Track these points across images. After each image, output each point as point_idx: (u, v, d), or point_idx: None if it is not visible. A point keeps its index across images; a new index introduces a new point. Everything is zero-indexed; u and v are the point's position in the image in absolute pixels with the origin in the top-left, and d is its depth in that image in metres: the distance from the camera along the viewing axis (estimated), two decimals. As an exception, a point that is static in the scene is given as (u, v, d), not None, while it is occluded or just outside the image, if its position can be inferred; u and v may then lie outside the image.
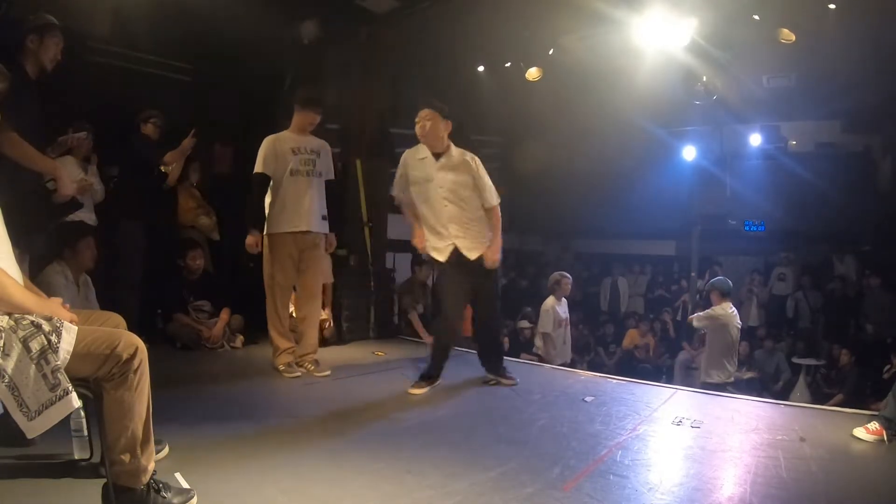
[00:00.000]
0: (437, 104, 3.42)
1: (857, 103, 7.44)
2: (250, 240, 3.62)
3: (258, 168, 3.67)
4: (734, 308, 5.43)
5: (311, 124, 3.82)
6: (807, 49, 5.52)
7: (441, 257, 3.45)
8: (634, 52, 5.47)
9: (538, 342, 5.88)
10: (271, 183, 3.70)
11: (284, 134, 3.78)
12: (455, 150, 3.47)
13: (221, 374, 3.78)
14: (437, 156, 3.42)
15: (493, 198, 3.48)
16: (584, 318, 9.85)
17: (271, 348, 3.84)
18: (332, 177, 3.91)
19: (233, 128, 5.55)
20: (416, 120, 3.40)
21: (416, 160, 3.46)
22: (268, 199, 3.75)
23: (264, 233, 3.71)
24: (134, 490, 1.69)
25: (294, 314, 3.99)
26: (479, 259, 3.45)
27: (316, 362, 3.89)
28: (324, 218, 3.82)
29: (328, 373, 3.82)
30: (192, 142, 4.33)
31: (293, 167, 3.69)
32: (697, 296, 9.40)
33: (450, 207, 3.41)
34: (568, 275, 5.96)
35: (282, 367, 3.71)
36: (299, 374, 3.70)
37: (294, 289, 3.89)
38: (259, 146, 3.73)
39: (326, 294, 4.82)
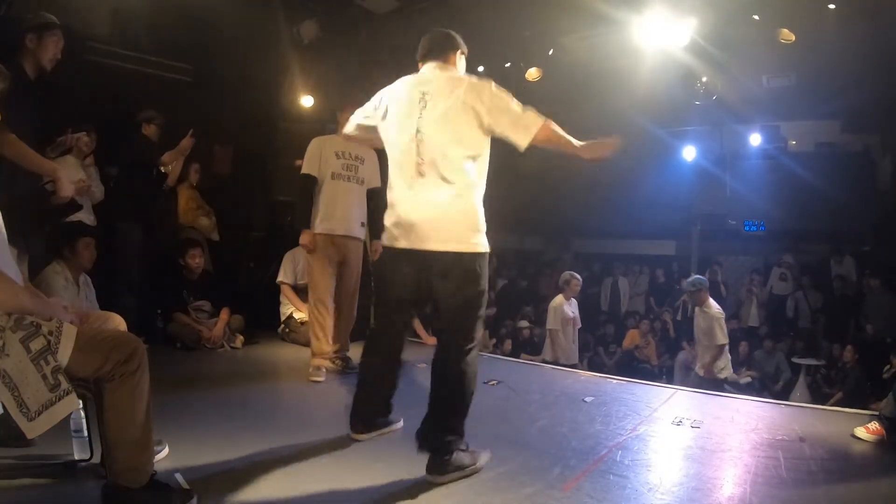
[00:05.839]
0: None
1: (857, 103, 7.40)
2: (303, 238, 3.66)
3: (304, 169, 3.74)
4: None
5: None
6: (807, 49, 5.49)
7: None
8: (634, 52, 5.45)
9: (547, 341, 5.93)
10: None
11: (332, 137, 3.82)
12: None
13: (221, 374, 3.78)
14: None
15: None
16: (584, 318, 9.80)
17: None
18: (376, 184, 3.83)
19: (232, 128, 5.54)
20: None
21: None
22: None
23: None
24: (134, 490, 1.69)
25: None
26: None
27: (347, 359, 3.88)
28: (362, 225, 3.82)
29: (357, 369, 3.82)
30: (190, 142, 4.33)
31: (334, 171, 3.73)
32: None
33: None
34: (578, 276, 6.03)
35: (310, 369, 3.65)
36: (321, 378, 3.61)
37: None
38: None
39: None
